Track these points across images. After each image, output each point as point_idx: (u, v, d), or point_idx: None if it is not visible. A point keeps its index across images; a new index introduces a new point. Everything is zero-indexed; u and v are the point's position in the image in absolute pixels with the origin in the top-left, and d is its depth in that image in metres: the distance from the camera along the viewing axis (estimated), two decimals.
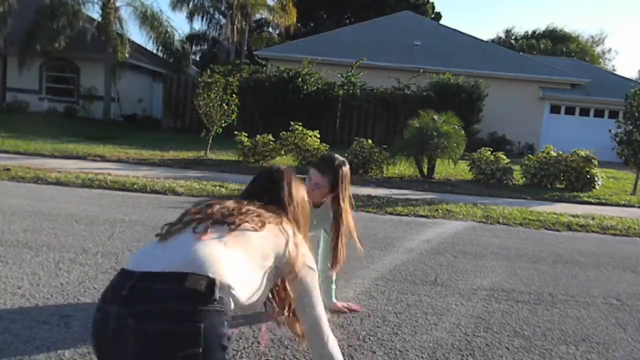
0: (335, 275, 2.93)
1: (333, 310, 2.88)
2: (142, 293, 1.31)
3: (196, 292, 1.31)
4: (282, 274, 1.65)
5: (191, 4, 24.94)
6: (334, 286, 2.96)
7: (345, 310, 2.94)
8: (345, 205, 2.73)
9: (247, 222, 1.55)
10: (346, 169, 2.75)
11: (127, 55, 18.38)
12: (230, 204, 1.63)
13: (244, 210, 1.60)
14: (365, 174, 9.30)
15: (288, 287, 1.70)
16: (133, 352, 1.27)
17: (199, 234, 1.48)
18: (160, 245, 1.49)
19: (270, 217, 1.63)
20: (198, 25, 34.97)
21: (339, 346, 2.54)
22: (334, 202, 2.73)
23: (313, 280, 1.72)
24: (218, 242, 1.46)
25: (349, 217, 2.74)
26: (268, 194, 1.76)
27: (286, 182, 1.79)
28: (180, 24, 55.04)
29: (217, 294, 1.34)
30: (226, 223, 1.53)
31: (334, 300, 2.96)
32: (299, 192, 1.83)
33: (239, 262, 1.47)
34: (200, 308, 1.30)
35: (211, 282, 1.34)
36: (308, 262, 1.70)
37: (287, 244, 1.61)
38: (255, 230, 1.55)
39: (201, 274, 1.34)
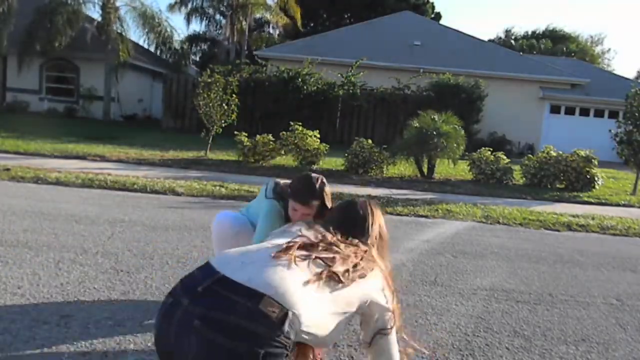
0: None
1: None
2: (215, 297, 1.31)
3: (267, 318, 1.29)
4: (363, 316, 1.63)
5: (189, 5, 24.94)
6: None
7: None
8: None
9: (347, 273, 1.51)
10: (327, 188, 2.65)
11: (129, 55, 18.40)
12: (331, 239, 1.61)
13: (344, 253, 1.57)
14: (365, 174, 9.31)
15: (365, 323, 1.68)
16: (192, 354, 1.26)
17: (291, 261, 1.45)
18: (251, 254, 1.49)
19: (366, 268, 1.58)
20: (196, 26, 34.95)
21: (339, 346, 2.55)
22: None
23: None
24: (307, 276, 1.44)
25: None
26: (352, 227, 1.74)
27: (374, 218, 1.80)
28: (180, 24, 55.07)
29: (287, 327, 1.31)
30: (325, 263, 1.50)
31: None
32: (383, 227, 1.84)
33: (322, 302, 1.44)
34: (266, 334, 1.28)
35: (284, 313, 1.31)
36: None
37: (378, 295, 1.61)
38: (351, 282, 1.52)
39: (277, 301, 1.31)
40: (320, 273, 1.46)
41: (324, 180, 2.68)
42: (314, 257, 1.50)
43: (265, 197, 2.81)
